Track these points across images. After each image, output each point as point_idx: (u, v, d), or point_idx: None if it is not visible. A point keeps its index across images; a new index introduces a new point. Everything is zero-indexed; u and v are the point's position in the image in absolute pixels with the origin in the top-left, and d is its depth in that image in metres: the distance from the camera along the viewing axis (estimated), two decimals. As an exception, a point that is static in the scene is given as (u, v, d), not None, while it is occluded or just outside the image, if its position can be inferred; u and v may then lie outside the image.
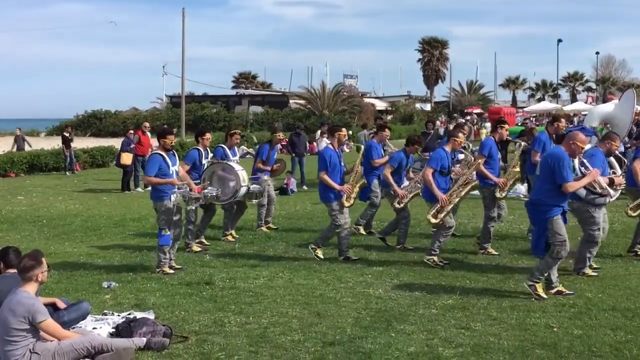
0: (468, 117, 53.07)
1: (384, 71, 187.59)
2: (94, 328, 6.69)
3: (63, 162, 25.95)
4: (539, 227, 8.02)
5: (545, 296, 7.91)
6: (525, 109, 66.75)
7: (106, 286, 8.71)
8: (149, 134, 21.41)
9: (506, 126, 11.20)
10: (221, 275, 9.25)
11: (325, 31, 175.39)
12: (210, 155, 11.38)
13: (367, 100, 64.37)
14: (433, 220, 9.61)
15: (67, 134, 26.11)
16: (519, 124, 43.71)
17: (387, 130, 12.66)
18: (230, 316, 7.39)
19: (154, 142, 14.33)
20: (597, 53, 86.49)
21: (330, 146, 10.35)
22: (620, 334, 6.65)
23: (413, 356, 6.14)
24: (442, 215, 9.57)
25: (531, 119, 53.65)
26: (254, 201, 12.20)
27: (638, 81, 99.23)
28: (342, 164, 10.27)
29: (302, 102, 55.94)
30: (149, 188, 19.89)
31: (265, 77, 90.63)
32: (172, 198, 9.30)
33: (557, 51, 76.13)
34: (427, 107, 73.93)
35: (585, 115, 38.19)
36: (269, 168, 12.53)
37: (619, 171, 9.33)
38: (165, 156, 9.43)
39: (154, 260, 10.24)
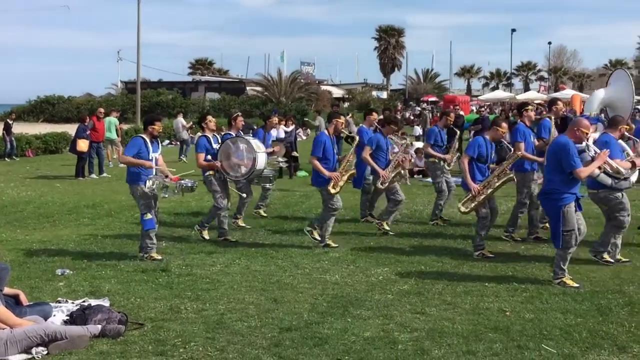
0: (424, 105, 53.49)
1: (340, 59, 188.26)
2: (47, 316, 6.60)
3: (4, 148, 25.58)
4: (554, 217, 7.97)
5: (576, 284, 7.89)
6: (479, 98, 67.66)
7: (60, 273, 8.59)
8: (104, 120, 21.14)
9: (530, 107, 11.01)
10: (177, 262, 9.20)
11: (282, 18, 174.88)
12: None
13: (323, 87, 64.44)
14: (462, 209, 9.49)
15: (10, 121, 26.06)
16: (474, 112, 44.23)
17: (374, 114, 12.82)
18: (187, 303, 7.36)
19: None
20: (550, 43, 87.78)
21: (326, 132, 10.32)
22: (570, 317, 6.82)
23: (369, 341, 6.20)
24: (473, 205, 9.41)
25: (485, 107, 54.35)
26: (267, 185, 12.18)
27: (588, 71, 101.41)
28: (336, 150, 10.30)
29: (259, 89, 55.76)
30: (104, 175, 19.97)
31: (222, 64, 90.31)
32: (147, 184, 9.19)
33: (511, 41, 77.27)
34: (384, 95, 74.34)
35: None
36: (268, 151, 12.33)
37: (632, 153, 9.24)
38: (148, 141, 9.38)
39: (109, 247, 10.15)
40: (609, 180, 8.65)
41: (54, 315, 6.66)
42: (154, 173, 9.35)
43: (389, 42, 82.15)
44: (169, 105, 52.54)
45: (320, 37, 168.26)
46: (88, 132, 20.05)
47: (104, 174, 20.29)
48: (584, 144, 8.16)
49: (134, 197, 9.47)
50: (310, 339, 6.23)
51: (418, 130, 33.84)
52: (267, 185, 12.52)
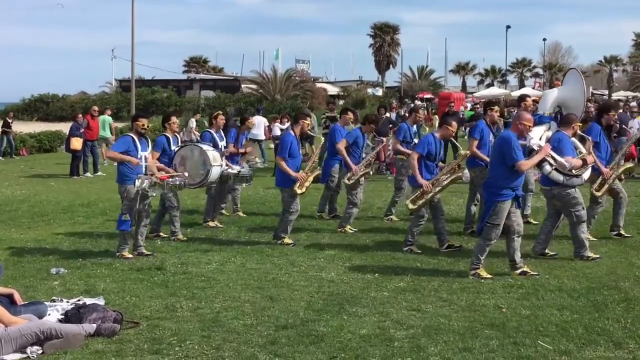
0: (419, 103, 53.47)
1: (335, 56, 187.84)
2: (42, 315, 6.57)
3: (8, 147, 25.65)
4: (487, 207, 8.19)
5: (489, 276, 8.10)
6: (474, 95, 67.57)
7: (55, 272, 8.56)
8: (98, 118, 21.11)
9: (496, 108, 11.15)
10: (173, 260, 9.18)
11: (277, 16, 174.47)
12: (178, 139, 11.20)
13: (319, 85, 64.32)
14: (411, 206, 9.50)
15: (9, 119, 26.17)
16: (469, 109, 44.20)
17: (349, 113, 12.82)
18: (182, 301, 7.34)
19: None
20: (545, 40, 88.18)
21: (292, 132, 10.35)
22: (566, 314, 6.82)
23: (365, 338, 6.19)
24: (421, 202, 9.44)
25: (480, 104, 54.33)
26: (244, 184, 12.17)
27: (583, 67, 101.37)
28: (300, 151, 10.43)
29: (254, 86, 55.64)
30: (99, 173, 19.92)
31: (216, 62, 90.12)
32: (137, 183, 9.15)
33: (505, 37, 77.27)
34: (379, 92, 74.24)
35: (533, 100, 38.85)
36: (241, 151, 12.37)
37: (584, 151, 9.32)
38: (136, 139, 9.33)
39: (104, 246, 10.13)
40: (560, 177, 8.78)
41: (49, 315, 6.63)
42: (143, 172, 9.32)
43: (384, 40, 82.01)
44: (163, 104, 52.47)
45: (315, 35, 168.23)
46: (82, 131, 19.98)
47: (99, 173, 20.23)
48: (528, 138, 8.29)
49: (121, 196, 9.44)
50: (306, 337, 6.22)
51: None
52: (244, 185, 12.39)
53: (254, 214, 12.77)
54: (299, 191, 10.11)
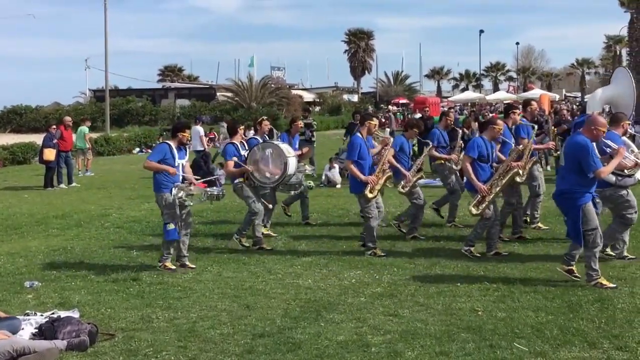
0: (390, 108, 53.71)
1: (311, 63, 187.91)
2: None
3: None
4: (573, 216, 7.83)
5: (612, 285, 7.76)
6: (449, 99, 68.13)
7: (28, 286, 8.46)
8: (71, 129, 20.94)
9: (518, 111, 10.99)
10: (148, 270, 9.10)
11: (252, 24, 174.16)
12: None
13: (294, 92, 64.35)
14: (474, 211, 9.35)
15: None
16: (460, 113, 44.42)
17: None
18: (158, 312, 7.29)
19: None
20: (517, 43, 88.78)
21: (360, 135, 9.98)
22: (541, 315, 6.86)
23: (342, 345, 6.19)
24: (484, 205, 9.31)
25: (455, 108, 54.72)
26: (292, 192, 11.99)
27: (556, 70, 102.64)
28: (370, 154, 10.00)
29: (229, 94, 55.52)
30: (74, 184, 19.72)
31: (191, 70, 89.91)
32: (173, 192, 9.05)
33: (479, 42, 77.85)
34: (355, 98, 74.47)
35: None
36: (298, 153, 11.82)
37: (635, 149, 9.15)
38: (174, 147, 9.17)
39: (78, 258, 10.03)
40: (612, 178, 8.51)
41: (23, 329, 6.54)
42: (180, 180, 9.18)
43: (359, 45, 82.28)
44: (138, 113, 52.18)
45: (290, 42, 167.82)
46: (55, 142, 19.79)
47: (74, 184, 20.05)
48: (600, 142, 7.99)
49: (159, 205, 9.26)
50: (284, 345, 6.20)
51: (387, 132, 33.94)
52: (292, 193, 12.12)
53: (229, 223, 12.70)
54: (369, 195, 9.72)
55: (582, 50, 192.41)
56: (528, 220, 11.19)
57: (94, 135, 33.19)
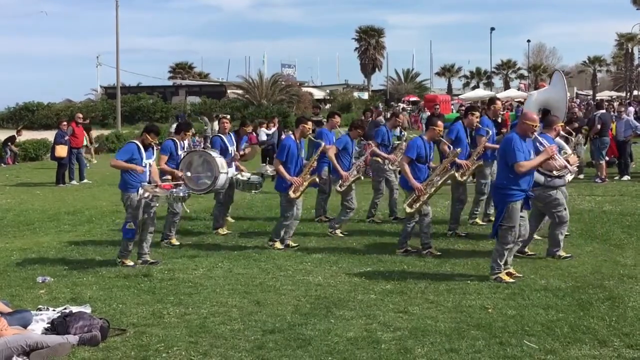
0: (402, 105, 53.60)
1: (321, 60, 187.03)
2: (28, 324, 6.54)
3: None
4: (499, 211, 8.08)
5: (512, 280, 8.00)
6: (460, 97, 67.82)
7: (40, 281, 8.52)
8: (82, 126, 21.09)
9: (477, 113, 11.15)
10: (159, 266, 9.16)
11: (262, 21, 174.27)
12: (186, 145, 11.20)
13: (305, 89, 64.33)
14: (408, 210, 9.49)
15: (17, 135, 27.19)
16: (455, 111, 44.38)
17: (336, 117, 12.76)
18: (169, 307, 7.33)
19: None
20: (529, 41, 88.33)
21: (292, 136, 10.31)
22: (551, 313, 6.86)
23: (352, 341, 6.21)
24: (418, 205, 9.45)
25: (466, 106, 54.53)
26: (253, 192, 12.07)
27: (567, 68, 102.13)
28: (301, 155, 10.27)
29: (240, 92, 55.55)
30: (85, 181, 19.82)
31: (202, 67, 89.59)
32: (140, 192, 9.12)
33: (490, 39, 77.35)
34: (365, 95, 74.31)
35: (518, 102, 39.12)
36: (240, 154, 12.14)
37: (569, 151, 9.39)
38: (141, 147, 9.26)
39: (90, 254, 10.10)
40: (541, 178, 8.78)
41: (36, 322, 6.60)
42: (147, 180, 9.27)
43: (369, 43, 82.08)
44: (149, 110, 52.27)
45: (301, 39, 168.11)
46: (67, 138, 19.91)
47: (85, 180, 20.15)
48: (532, 137, 8.16)
49: (124, 204, 9.38)
50: (294, 341, 6.23)
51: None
52: (253, 192, 12.31)
53: (240, 219, 12.75)
54: (292, 195, 9.98)
55: (594, 48, 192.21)
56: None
57: (106, 132, 33.37)
